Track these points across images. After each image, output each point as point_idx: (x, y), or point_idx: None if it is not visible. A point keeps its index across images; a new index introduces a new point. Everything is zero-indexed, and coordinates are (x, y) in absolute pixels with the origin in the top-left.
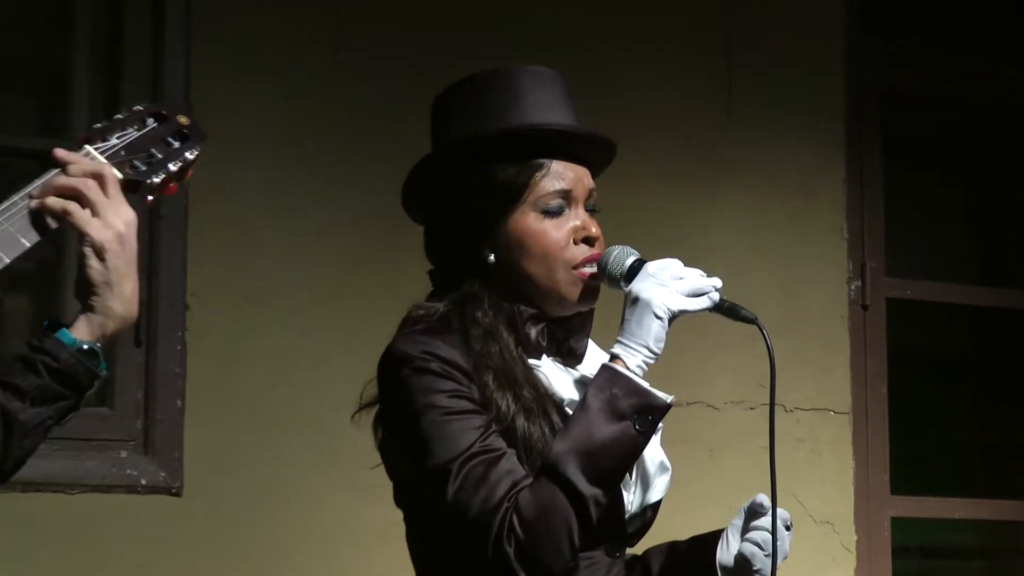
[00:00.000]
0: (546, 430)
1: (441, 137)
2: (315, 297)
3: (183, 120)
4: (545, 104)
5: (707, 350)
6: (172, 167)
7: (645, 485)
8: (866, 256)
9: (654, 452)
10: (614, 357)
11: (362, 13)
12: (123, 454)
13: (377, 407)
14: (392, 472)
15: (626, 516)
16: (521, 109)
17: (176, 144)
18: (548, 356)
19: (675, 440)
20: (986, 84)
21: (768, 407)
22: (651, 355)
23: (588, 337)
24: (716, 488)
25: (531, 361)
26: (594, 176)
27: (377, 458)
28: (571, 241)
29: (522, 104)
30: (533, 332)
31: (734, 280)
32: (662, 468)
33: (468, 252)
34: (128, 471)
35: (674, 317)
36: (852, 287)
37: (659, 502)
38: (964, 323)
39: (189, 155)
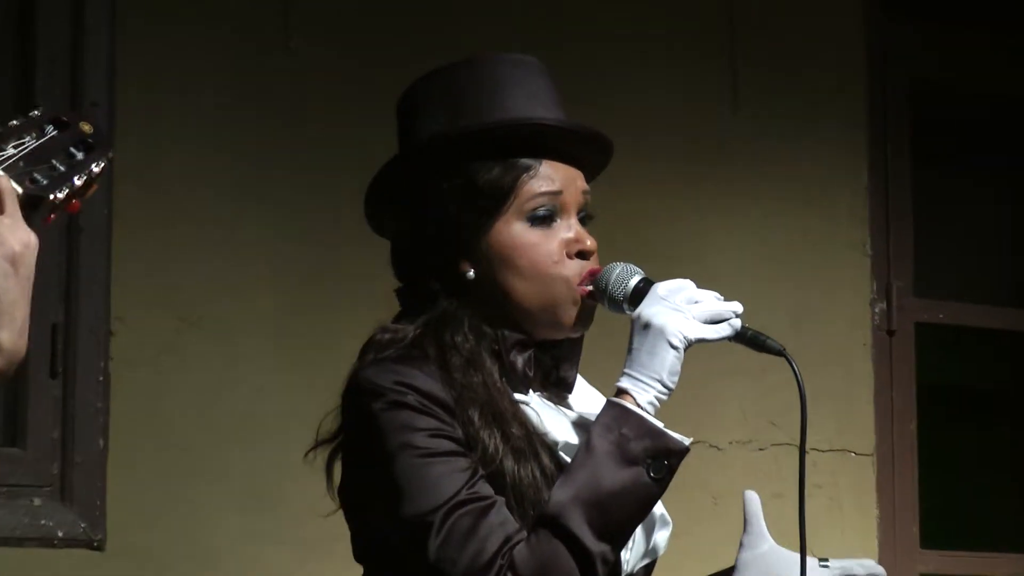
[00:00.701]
0: (537, 474)
1: (410, 136)
2: (256, 322)
3: (86, 128)
4: (529, 97)
5: (709, 381)
6: (77, 181)
7: (643, 542)
8: (892, 275)
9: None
10: (622, 392)
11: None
12: (37, 502)
13: (335, 443)
14: (354, 521)
15: None
16: (502, 102)
17: (80, 155)
18: (535, 391)
19: (673, 485)
20: None
21: (799, 448)
22: (664, 391)
23: (577, 366)
24: (720, 541)
25: (517, 396)
26: (588, 181)
27: (329, 505)
28: (563, 255)
29: (503, 97)
30: (519, 361)
31: (741, 303)
32: (662, 522)
33: (444, 267)
34: (43, 521)
35: (689, 347)
36: (876, 310)
37: (655, 562)
38: (1003, 351)
39: (95, 167)
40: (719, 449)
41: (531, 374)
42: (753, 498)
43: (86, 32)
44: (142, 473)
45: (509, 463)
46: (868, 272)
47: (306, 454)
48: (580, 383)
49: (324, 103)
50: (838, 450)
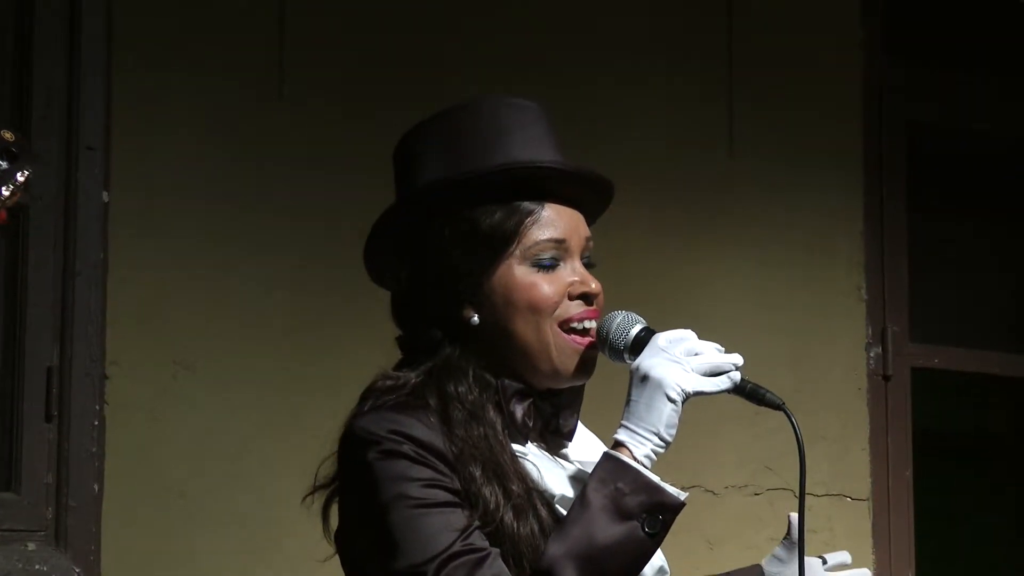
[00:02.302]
0: (536, 529)
1: (409, 182)
2: (251, 367)
3: (7, 136)
4: (529, 140)
5: (705, 426)
6: (4, 191)
7: None
8: (888, 319)
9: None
10: (618, 445)
11: (308, 51)
12: (31, 546)
13: (332, 488)
14: (349, 567)
15: None
16: (502, 146)
17: (3, 164)
18: (533, 442)
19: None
20: None
21: (798, 494)
22: (661, 444)
23: (578, 414)
24: None
25: (515, 447)
26: (589, 224)
27: (325, 550)
28: (565, 296)
29: (503, 141)
30: (519, 411)
31: (736, 348)
32: (660, 573)
33: (446, 314)
34: (37, 566)
35: (687, 400)
36: (871, 355)
37: None
38: (999, 396)
39: (20, 176)
40: (715, 494)
41: (531, 424)
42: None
43: (82, 76)
44: (137, 518)
45: (509, 519)
46: (864, 317)
47: (304, 499)
48: (582, 431)
49: (317, 150)
50: (834, 495)
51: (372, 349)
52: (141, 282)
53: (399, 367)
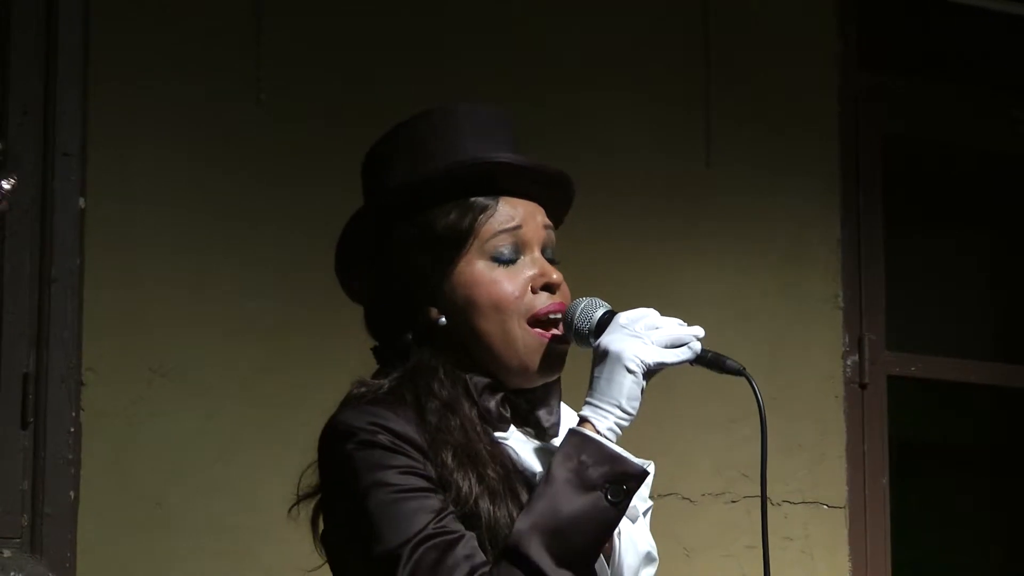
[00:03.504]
0: (514, 513)
1: (372, 192)
2: (227, 374)
3: None
4: (482, 138)
5: (682, 432)
6: None
7: None
8: (864, 328)
9: (639, 539)
10: (583, 420)
11: (285, 58)
12: (6, 553)
13: (317, 497)
14: (336, 566)
15: None
16: (456, 147)
17: None
18: (517, 427)
19: None
20: (1003, 130)
21: (760, 499)
22: (624, 416)
23: (558, 407)
24: None
25: (498, 434)
26: (555, 225)
27: (303, 555)
28: (528, 290)
29: (456, 142)
30: (492, 403)
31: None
32: (647, 560)
33: (415, 317)
34: (12, 573)
35: (650, 372)
36: (848, 363)
37: None
38: (977, 405)
39: (6, 184)
40: (691, 502)
41: (507, 414)
42: None
43: (59, 84)
44: (113, 525)
45: (485, 504)
46: (841, 325)
47: (289, 510)
48: (570, 416)
49: (293, 157)
50: (810, 502)
51: (350, 356)
52: (118, 289)
53: (376, 376)
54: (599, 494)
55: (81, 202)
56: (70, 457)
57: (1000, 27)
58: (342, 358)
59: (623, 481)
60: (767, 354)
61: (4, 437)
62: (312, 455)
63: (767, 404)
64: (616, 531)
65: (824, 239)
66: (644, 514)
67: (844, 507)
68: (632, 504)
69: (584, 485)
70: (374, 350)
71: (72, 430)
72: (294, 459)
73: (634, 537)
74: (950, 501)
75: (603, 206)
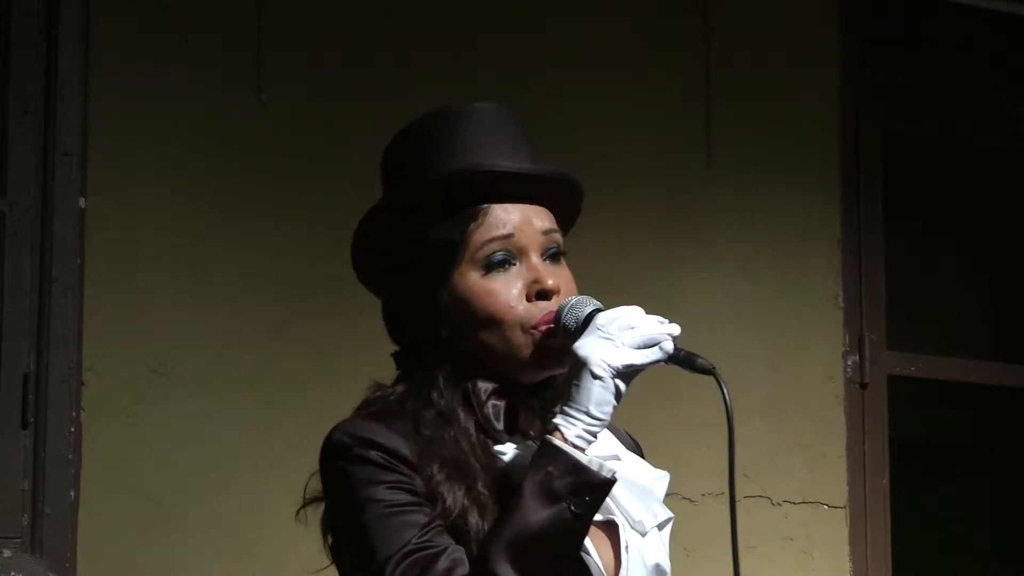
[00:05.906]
0: None
1: (386, 194)
2: (228, 373)
3: None
4: (480, 144)
5: (681, 433)
6: None
7: None
8: (865, 327)
9: (648, 552)
10: (554, 428)
11: (286, 54)
12: (6, 553)
13: (324, 505)
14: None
15: None
16: (452, 156)
17: None
18: (524, 439)
19: None
20: (1003, 130)
21: (727, 499)
22: (594, 422)
23: None
24: None
25: (496, 448)
26: (565, 226)
27: (305, 556)
28: (524, 298)
29: (458, 148)
30: (493, 411)
31: (713, 356)
32: (657, 573)
33: (422, 329)
34: (12, 573)
35: (621, 375)
36: (848, 363)
37: None
38: (976, 404)
39: None
40: (692, 502)
41: (499, 426)
42: None
43: (59, 82)
44: (113, 525)
45: (473, 518)
46: (841, 325)
47: (296, 513)
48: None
49: (294, 156)
50: (810, 503)
51: (353, 352)
52: (118, 288)
53: (396, 381)
54: (564, 506)
55: (81, 202)
56: (70, 457)
57: (1000, 27)
58: (345, 353)
59: (586, 492)
60: (767, 354)
61: (4, 437)
62: (313, 455)
63: (767, 404)
64: (624, 545)
65: (824, 239)
66: (661, 528)
67: (844, 507)
68: (638, 519)
69: (549, 497)
70: (394, 355)
71: (72, 430)
72: (294, 459)
73: (643, 550)
74: (950, 501)
75: (603, 206)
